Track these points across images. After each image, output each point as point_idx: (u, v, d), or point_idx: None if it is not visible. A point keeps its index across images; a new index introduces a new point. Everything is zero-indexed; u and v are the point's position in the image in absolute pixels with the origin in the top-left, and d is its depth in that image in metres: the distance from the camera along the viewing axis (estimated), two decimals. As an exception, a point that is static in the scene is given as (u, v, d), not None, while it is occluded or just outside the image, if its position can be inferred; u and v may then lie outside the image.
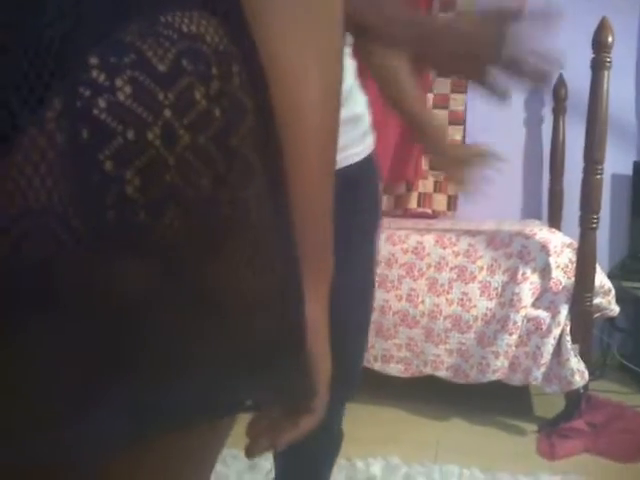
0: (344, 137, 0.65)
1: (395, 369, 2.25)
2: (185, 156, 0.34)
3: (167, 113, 0.33)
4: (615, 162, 2.77)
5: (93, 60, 0.33)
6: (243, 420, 0.49)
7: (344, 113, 0.65)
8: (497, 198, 3.09)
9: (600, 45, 1.99)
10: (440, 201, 3.18)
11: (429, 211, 3.19)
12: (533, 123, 3.11)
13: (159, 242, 0.34)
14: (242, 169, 0.36)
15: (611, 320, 2.63)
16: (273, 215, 0.39)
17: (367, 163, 0.89)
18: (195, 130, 0.34)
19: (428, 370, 2.22)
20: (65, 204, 0.32)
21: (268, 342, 0.40)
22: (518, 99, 3.09)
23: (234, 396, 0.42)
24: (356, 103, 0.86)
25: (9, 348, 0.34)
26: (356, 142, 0.85)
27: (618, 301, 2.28)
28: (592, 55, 2.01)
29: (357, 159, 0.86)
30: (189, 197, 0.34)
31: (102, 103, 0.32)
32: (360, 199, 0.88)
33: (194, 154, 0.34)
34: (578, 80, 2.67)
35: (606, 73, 2.01)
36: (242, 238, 0.37)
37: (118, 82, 0.33)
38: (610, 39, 1.99)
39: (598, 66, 2.01)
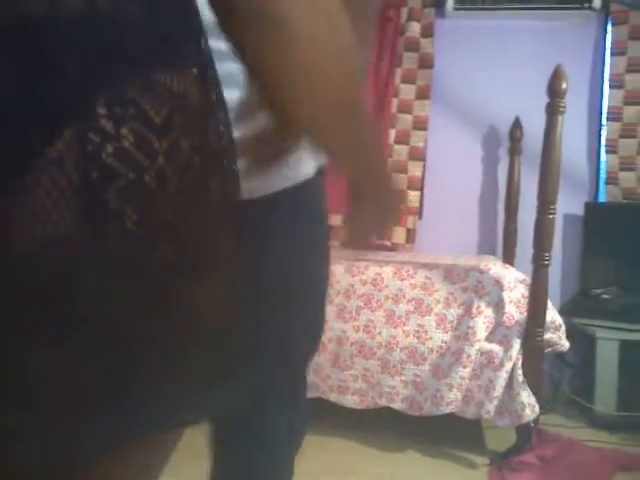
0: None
1: (351, 400, 2.25)
2: (174, 196, 0.40)
3: (161, 159, 0.40)
4: (567, 203, 2.88)
5: (101, 110, 0.38)
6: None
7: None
8: (454, 233, 3.19)
9: (554, 91, 2.08)
10: (399, 234, 3.23)
11: (388, 243, 3.24)
12: (490, 162, 3.21)
13: (152, 271, 0.39)
14: (220, 210, 0.43)
15: (561, 355, 2.70)
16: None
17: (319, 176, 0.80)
18: (182, 174, 0.40)
19: (383, 402, 2.23)
20: (78, 235, 0.38)
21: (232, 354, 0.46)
22: (476, 137, 3.20)
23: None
24: None
25: (21, 357, 0.38)
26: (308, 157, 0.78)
27: (568, 337, 2.34)
28: (547, 100, 2.10)
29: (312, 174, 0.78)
30: (180, 232, 0.40)
31: (109, 149, 0.38)
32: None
33: (181, 195, 0.40)
34: (534, 121, 2.79)
35: (560, 118, 2.10)
36: (224, 269, 0.43)
37: (123, 131, 0.39)
38: (564, 86, 2.08)
39: (552, 111, 2.09)
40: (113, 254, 0.38)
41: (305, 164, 0.73)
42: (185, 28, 0.44)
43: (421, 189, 3.24)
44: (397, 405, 2.21)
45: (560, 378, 2.85)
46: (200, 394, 0.47)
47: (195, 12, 0.45)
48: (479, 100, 3.15)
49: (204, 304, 0.43)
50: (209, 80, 0.44)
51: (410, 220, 3.22)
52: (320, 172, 0.77)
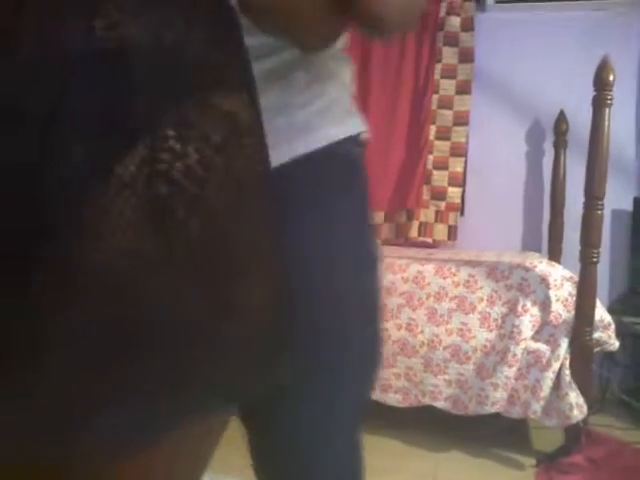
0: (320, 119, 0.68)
1: (393, 399, 2.24)
2: (230, 207, 0.46)
3: (220, 174, 0.46)
4: (615, 198, 2.79)
5: (170, 132, 0.44)
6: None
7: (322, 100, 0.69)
8: (497, 229, 3.13)
9: (601, 83, 2.03)
10: (441, 231, 3.19)
11: (430, 240, 3.20)
12: (534, 156, 3.15)
13: (215, 274, 0.46)
14: (263, 217, 0.51)
15: (610, 355, 2.63)
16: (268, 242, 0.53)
17: (350, 143, 0.73)
18: (236, 187, 0.47)
19: (427, 400, 2.21)
20: (148, 245, 0.43)
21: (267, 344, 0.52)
22: (519, 132, 3.13)
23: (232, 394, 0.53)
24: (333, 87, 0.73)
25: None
26: (335, 122, 0.72)
27: (617, 336, 2.28)
28: (594, 92, 2.04)
29: (338, 138, 0.71)
30: (235, 238, 0.47)
31: (179, 166, 0.44)
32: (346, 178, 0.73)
33: (235, 205, 0.47)
34: (579, 114, 2.72)
35: (607, 110, 2.04)
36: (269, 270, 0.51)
37: (189, 150, 0.44)
38: (611, 77, 2.02)
39: (599, 104, 2.04)
40: (180, 261, 0.43)
41: (327, 127, 0.69)
42: (236, 59, 0.51)
43: (463, 185, 3.19)
44: (440, 404, 2.19)
45: (609, 377, 2.77)
46: (245, 380, 0.53)
47: (242, 42, 0.53)
48: (522, 94, 3.09)
49: (254, 301, 0.49)
50: (255, 102, 0.50)
51: (452, 217, 3.18)
52: (354, 141, 0.72)
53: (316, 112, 0.68)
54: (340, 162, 0.70)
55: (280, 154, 0.64)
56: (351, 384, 0.71)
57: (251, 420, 0.71)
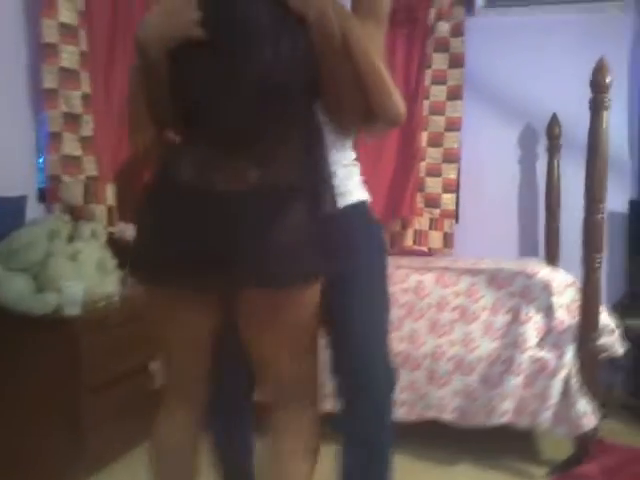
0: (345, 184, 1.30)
1: (399, 413, 2.16)
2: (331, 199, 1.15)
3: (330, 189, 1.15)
4: (611, 200, 2.76)
5: (329, 179, 1.14)
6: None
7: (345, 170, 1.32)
8: (493, 235, 3.09)
9: (599, 85, 2.00)
10: (436, 238, 3.16)
11: (425, 249, 3.16)
12: (527, 160, 3.12)
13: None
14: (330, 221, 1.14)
15: (612, 358, 2.59)
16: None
17: (363, 206, 1.34)
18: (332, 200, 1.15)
19: (432, 413, 2.15)
20: (315, 246, 1.05)
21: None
22: (512, 136, 3.11)
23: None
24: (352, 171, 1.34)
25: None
26: (359, 190, 1.34)
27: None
28: (590, 95, 2.02)
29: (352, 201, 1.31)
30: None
31: (331, 194, 1.13)
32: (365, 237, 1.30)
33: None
34: (572, 117, 2.70)
35: (605, 113, 2.02)
36: None
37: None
38: (608, 79, 2.00)
39: (597, 106, 2.01)
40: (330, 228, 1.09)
41: (356, 193, 1.31)
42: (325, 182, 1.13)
43: (457, 192, 3.16)
44: (447, 416, 2.14)
45: (612, 382, 2.74)
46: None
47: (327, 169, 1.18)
48: (513, 98, 3.07)
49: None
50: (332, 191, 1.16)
51: (447, 224, 3.14)
52: (368, 202, 1.34)
53: (351, 185, 1.31)
54: (362, 210, 1.33)
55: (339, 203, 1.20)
56: (379, 287, 1.31)
57: (331, 290, 1.17)
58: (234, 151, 1.03)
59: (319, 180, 1.09)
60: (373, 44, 1.13)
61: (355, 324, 1.24)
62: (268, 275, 1.02)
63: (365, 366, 1.25)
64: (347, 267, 1.14)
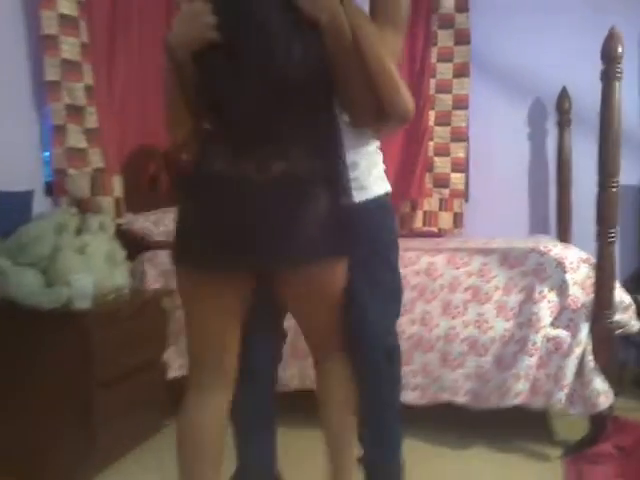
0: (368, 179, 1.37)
1: (411, 396, 2.16)
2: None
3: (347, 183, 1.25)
4: (623, 173, 2.71)
5: (346, 174, 1.24)
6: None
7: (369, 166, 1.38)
8: (504, 214, 3.05)
9: (610, 56, 1.95)
10: (446, 219, 3.12)
11: (435, 230, 3.13)
12: (537, 136, 3.07)
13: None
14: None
15: (626, 335, 2.56)
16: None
17: (385, 195, 1.39)
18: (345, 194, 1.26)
19: (446, 396, 2.13)
20: (329, 233, 1.18)
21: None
22: (521, 112, 3.06)
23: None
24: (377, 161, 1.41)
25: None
26: (378, 185, 1.39)
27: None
28: (602, 66, 1.96)
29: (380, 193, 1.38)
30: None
31: (347, 188, 1.23)
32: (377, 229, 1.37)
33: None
34: (583, 89, 2.64)
35: (617, 84, 1.97)
36: None
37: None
38: (620, 49, 1.95)
39: (609, 77, 1.96)
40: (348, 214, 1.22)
41: (376, 188, 1.37)
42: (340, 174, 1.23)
43: (466, 171, 3.12)
44: (460, 399, 2.12)
45: (626, 359, 2.71)
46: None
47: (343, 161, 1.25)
48: (521, 73, 3.01)
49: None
50: (348, 184, 1.26)
51: (456, 204, 3.11)
52: (387, 194, 1.40)
53: (372, 178, 1.37)
54: (381, 204, 1.38)
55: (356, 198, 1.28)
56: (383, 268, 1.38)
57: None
58: (258, 145, 1.15)
59: (337, 172, 1.21)
60: (386, 47, 1.19)
61: (359, 299, 1.32)
62: (298, 256, 1.16)
63: (365, 333, 1.34)
64: (363, 253, 1.26)
